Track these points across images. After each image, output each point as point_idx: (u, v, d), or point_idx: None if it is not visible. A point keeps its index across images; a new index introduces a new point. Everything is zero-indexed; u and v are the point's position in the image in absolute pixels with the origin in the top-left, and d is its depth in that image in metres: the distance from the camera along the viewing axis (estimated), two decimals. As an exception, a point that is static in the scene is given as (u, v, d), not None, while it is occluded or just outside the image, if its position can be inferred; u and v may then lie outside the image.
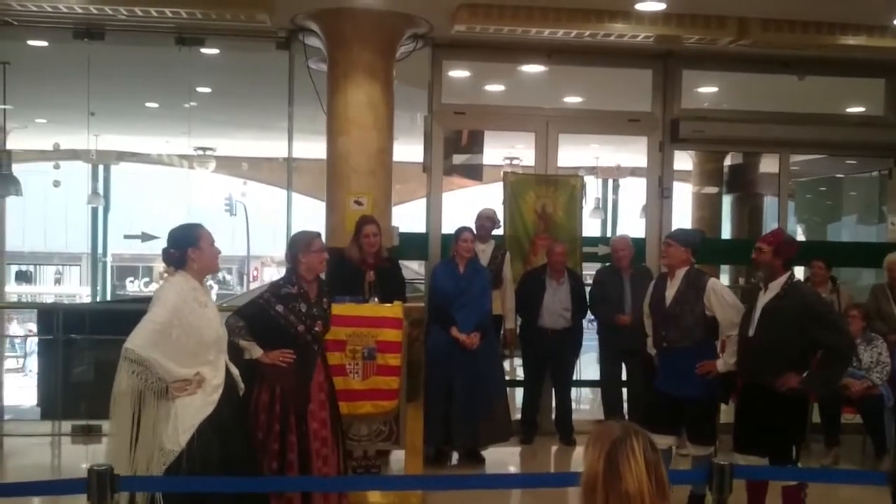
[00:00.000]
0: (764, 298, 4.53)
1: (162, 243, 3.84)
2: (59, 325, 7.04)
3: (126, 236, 17.26)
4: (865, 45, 6.40)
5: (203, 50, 7.01)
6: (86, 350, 8.14)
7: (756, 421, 4.52)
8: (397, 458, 5.64)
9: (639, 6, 5.96)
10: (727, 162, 11.15)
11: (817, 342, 4.44)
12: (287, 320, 4.33)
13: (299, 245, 4.43)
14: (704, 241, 5.25)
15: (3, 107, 9.71)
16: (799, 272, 6.56)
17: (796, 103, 7.77)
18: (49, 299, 24.25)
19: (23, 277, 27.72)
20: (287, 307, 4.34)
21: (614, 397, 6.87)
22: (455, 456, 6.17)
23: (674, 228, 6.33)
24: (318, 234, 4.60)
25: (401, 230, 6.76)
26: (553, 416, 6.89)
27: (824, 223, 12.13)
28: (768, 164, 9.79)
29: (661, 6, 5.96)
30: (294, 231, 5.98)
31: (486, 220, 6.65)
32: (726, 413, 6.60)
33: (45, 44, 7.24)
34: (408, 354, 5.03)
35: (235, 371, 3.92)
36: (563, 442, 6.66)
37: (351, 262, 5.63)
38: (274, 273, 22.54)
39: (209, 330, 3.71)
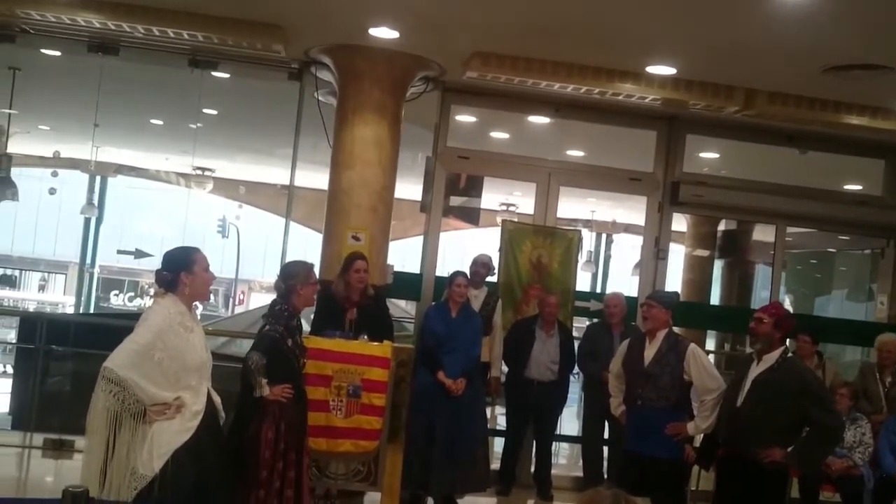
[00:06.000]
0: (756, 370, 4.53)
1: (154, 261, 3.80)
2: (42, 334, 6.94)
3: (119, 251, 17.18)
4: (868, 125, 6.49)
5: (214, 73, 7.04)
6: (65, 361, 8.00)
7: (736, 493, 4.48)
8: (373, 500, 5.55)
9: (649, 69, 6.03)
10: (721, 227, 11.22)
11: (806, 418, 4.43)
12: (293, 354, 4.27)
13: (300, 277, 4.36)
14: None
15: (8, 111, 9.73)
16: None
17: (795, 176, 7.82)
18: (32, 305, 24.01)
19: (6, 281, 27.51)
20: (294, 340, 4.29)
21: (595, 455, 6.79)
22: (430, 502, 6.07)
23: (665, 290, 6.35)
24: (312, 266, 4.55)
25: (395, 269, 6.73)
26: (532, 469, 6.81)
27: (813, 296, 12.19)
28: (762, 233, 9.86)
29: (672, 71, 6.04)
30: (289, 259, 5.93)
31: (481, 266, 6.62)
32: (706, 480, 6.57)
33: (58, 53, 7.27)
34: (392, 395, 4.98)
35: (217, 399, 3.85)
36: (541, 496, 6.57)
37: (335, 298, 5.55)
38: (261, 298, 22.42)
39: (193, 355, 3.66)
